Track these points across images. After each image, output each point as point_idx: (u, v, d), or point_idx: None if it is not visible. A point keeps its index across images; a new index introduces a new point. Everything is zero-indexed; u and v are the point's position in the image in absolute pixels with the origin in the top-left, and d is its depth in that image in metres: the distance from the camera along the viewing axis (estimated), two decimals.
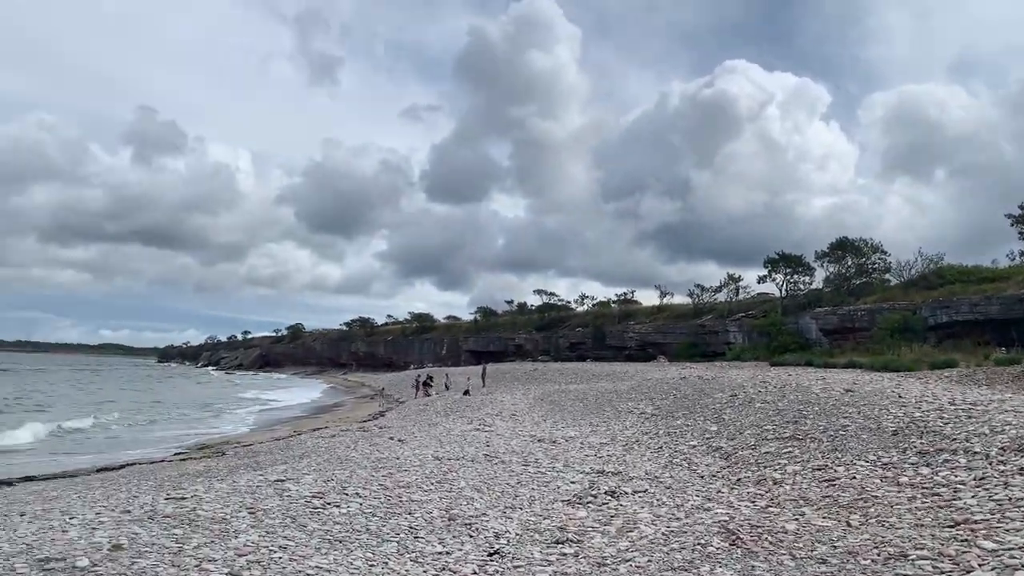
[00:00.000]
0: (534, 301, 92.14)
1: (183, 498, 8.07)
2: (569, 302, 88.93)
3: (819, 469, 10.69)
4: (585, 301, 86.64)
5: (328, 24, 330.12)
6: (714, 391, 21.15)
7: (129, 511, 7.36)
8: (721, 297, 66.31)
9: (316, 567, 6.02)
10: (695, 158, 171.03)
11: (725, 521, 8.24)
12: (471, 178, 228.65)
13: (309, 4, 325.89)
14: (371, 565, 6.37)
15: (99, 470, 18.48)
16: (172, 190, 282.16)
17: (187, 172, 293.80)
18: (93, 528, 6.55)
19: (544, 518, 8.46)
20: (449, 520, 8.01)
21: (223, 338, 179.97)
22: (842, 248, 55.09)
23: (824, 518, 8.26)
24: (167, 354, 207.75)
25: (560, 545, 7.44)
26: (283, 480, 9.52)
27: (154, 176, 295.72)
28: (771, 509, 8.85)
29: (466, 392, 36.89)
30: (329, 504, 8.17)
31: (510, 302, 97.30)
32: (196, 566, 5.61)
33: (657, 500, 9.55)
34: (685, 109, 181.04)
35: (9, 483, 16.73)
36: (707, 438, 14.46)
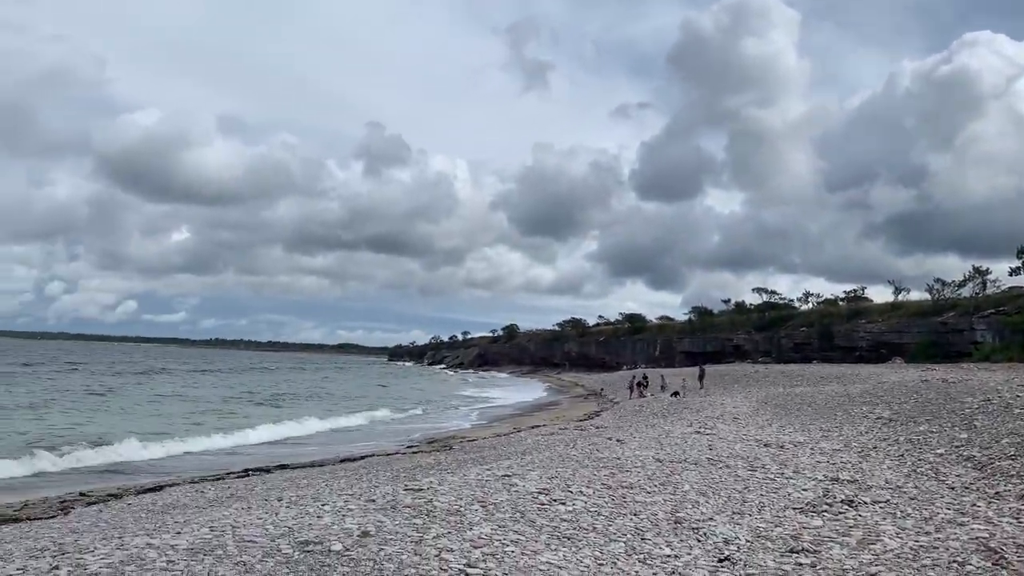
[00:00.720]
0: (753, 300, 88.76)
1: (420, 489, 8.55)
2: (791, 300, 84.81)
3: None
4: (809, 299, 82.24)
5: (539, 30, 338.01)
6: (962, 395, 19.31)
7: (373, 500, 7.91)
8: (965, 292, 60.31)
9: (547, 563, 6.15)
10: (932, 142, 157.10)
11: (984, 538, 7.49)
12: (683, 174, 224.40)
13: (520, 13, 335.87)
14: (600, 564, 6.41)
15: (342, 460, 20.06)
16: (398, 200, 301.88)
17: (411, 183, 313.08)
18: (343, 515, 7.10)
19: (776, 525, 8.12)
20: (675, 523, 7.89)
21: (445, 338, 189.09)
22: None
23: None
24: (396, 353, 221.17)
25: (795, 555, 7.10)
26: (509, 475, 9.82)
27: (382, 188, 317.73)
28: None
29: (675, 394, 36.22)
30: (555, 501, 8.33)
31: (727, 301, 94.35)
32: (436, 555, 5.91)
33: (901, 511, 8.86)
34: (919, 89, 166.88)
35: (267, 470, 18.60)
36: (956, 446, 13.22)
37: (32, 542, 8.22)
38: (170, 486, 16.24)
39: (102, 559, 5.45)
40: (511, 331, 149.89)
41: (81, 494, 15.25)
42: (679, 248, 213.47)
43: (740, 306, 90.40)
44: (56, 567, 5.27)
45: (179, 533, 6.56)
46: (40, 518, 12.41)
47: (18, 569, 5.35)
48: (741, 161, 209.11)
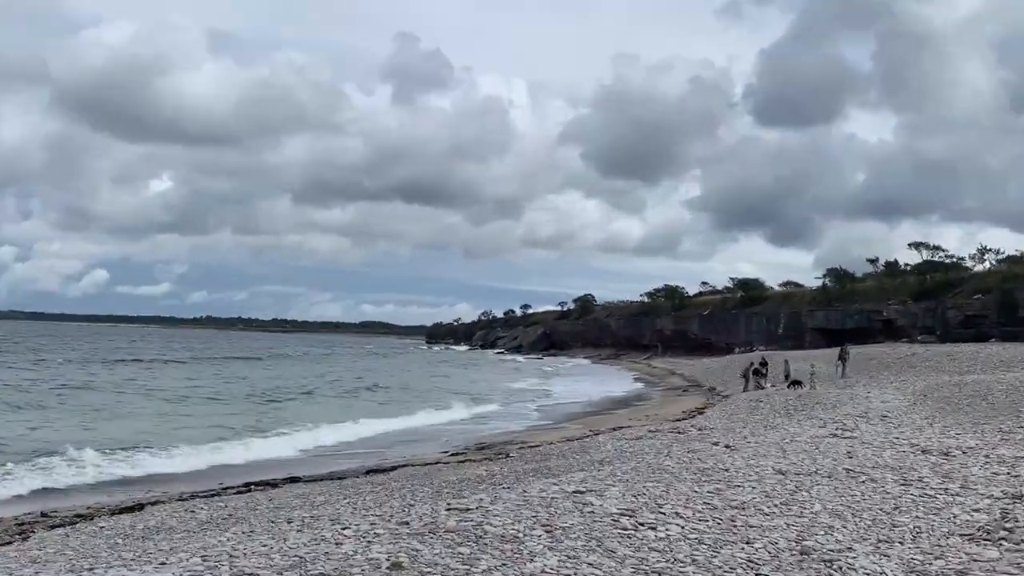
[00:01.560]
0: (909, 258, 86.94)
1: (467, 509, 8.68)
2: (962, 258, 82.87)
3: None
4: (986, 257, 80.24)
5: None
6: None
7: (407, 523, 8.05)
8: None
9: None
10: None
11: None
12: (816, 91, 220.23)
13: None
14: None
15: (368, 472, 20.46)
16: (436, 135, 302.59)
17: (453, 111, 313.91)
18: (369, 541, 7.25)
19: (935, 557, 8.04)
20: (801, 555, 7.87)
21: (499, 313, 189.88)
22: None
23: None
24: (435, 333, 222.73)
25: None
26: (583, 492, 9.89)
27: (416, 118, 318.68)
28: None
29: (794, 383, 35.82)
30: (642, 525, 8.37)
31: (874, 261, 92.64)
32: None
33: None
34: None
35: (273, 484, 19.07)
36: None
37: None
38: (152, 504, 16.78)
39: None
40: (585, 304, 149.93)
41: (43, 515, 15.84)
42: (810, 190, 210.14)
43: (892, 267, 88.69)
44: None
45: (163, 564, 6.79)
46: None
47: None
48: (894, 73, 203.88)
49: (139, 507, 16.44)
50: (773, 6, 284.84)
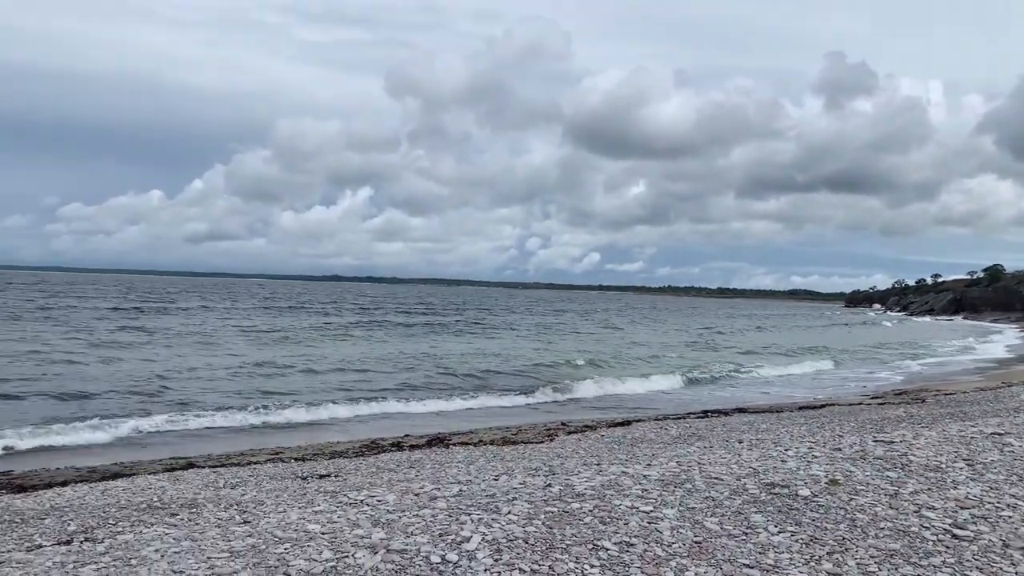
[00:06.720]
0: None
1: (892, 442, 7.96)
2: None
3: None
4: None
5: None
6: None
7: (839, 449, 7.57)
8: None
9: None
10: None
11: None
12: None
13: None
14: None
15: (800, 408, 19.65)
16: (860, 133, 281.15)
17: (875, 112, 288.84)
18: (808, 461, 6.92)
19: None
20: None
21: (911, 282, 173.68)
22: None
23: None
24: (853, 299, 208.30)
25: None
26: (1001, 434, 8.63)
27: (842, 122, 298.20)
28: None
29: None
30: None
31: None
32: (915, 511, 5.48)
33: None
34: None
35: (726, 413, 19.05)
36: None
37: (527, 462, 9.50)
38: (637, 421, 17.45)
39: (586, 481, 6.08)
40: (994, 273, 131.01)
41: (562, 423, 17.20)
42: None
43: None
44: (549, 484, 6.02)
45: (649, 465, 7.02)
46: (532, 442, 14.29)
47: (520, 483, 6.23)
48: None
49: (627, 423, 17.17)
50: None
